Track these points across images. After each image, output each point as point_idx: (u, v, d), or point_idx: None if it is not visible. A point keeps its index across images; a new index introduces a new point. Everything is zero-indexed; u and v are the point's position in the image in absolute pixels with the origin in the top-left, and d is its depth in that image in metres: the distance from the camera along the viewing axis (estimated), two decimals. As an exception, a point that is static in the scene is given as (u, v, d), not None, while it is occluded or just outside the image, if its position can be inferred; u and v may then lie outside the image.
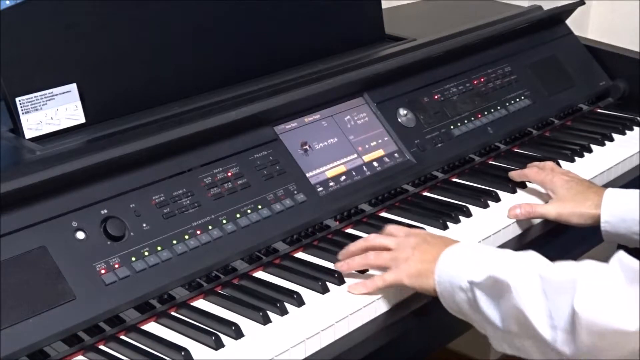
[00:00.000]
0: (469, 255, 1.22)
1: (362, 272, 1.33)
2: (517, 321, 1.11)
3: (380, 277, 1.28)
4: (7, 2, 1.30)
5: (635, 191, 1.46)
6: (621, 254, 1.05)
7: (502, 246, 1.46)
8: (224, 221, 1.32)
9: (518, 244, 1.48)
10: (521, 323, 1.11)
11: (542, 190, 1.57)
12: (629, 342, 1.00)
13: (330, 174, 1.49)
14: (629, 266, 1.02)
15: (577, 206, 1.47)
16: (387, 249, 1.30)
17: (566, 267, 1.10)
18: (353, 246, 1.34)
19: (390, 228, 1.36)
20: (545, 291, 1.08)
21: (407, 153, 1.59)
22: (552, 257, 1.47)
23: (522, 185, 1.60)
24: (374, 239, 1.33)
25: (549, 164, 1.61)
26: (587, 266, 1.08)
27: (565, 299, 1.05)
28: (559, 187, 1.51)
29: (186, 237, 1.28)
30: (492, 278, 1.14)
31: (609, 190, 1.46)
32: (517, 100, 1.82)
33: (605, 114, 1.97)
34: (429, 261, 1.24)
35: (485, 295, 1.16)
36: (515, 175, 1.61)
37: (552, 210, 1.49)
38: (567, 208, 1.48)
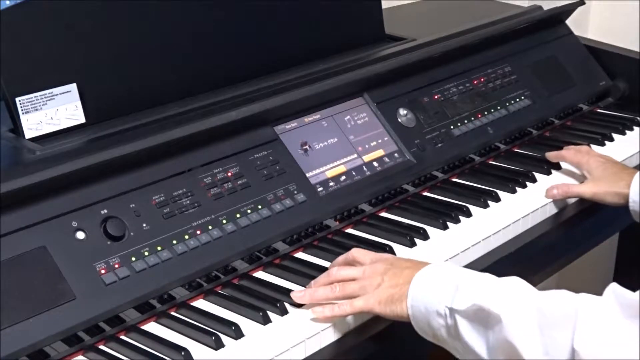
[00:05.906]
0: (446, 278, 1.14)
1: None
2: (507, 354, 1.06)
3: (349, 303, 1.19)
4: (7, 2, 1.30)
5: None
6: (614, 287, 1.02)
7: (505, 245, 1.46)
8: (224, 221, 1.32)
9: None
10: (511, 356, 1.05)
11: (542, 191, 1.58)
12: None
13: (330, 174, 1.49)
14: (625, 300, 1.00)
15: (612, 186, 1.53)
16: (354, 280, 1.22)
17: (563, 300, 1.05)
18: (315, 283, 1.25)
19: (354, 254, 1.27)
20: (541, 326, 1.04)
21: (407, 153, 1.59)
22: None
23: (523, 184, 1.60)
24: (337, 271, 1.24)
25: (585, 147, 1.68)
26: (583, 300, 1.04)
27: (563, 335, 1.02)
28: (594, 168, 1.58)
29: (186, 237, 1.28)
30: (477, 307, 1.08)
31: None
32: (517, 100, 1.82)
33: (605, 114, 1.97)
34: (401, 285, 1.17)
35: (469, 323, 1.10)
36: (552, 156, 1.68)
37: (587, 189, 1.56)
38: (602, 187, 1.54)
